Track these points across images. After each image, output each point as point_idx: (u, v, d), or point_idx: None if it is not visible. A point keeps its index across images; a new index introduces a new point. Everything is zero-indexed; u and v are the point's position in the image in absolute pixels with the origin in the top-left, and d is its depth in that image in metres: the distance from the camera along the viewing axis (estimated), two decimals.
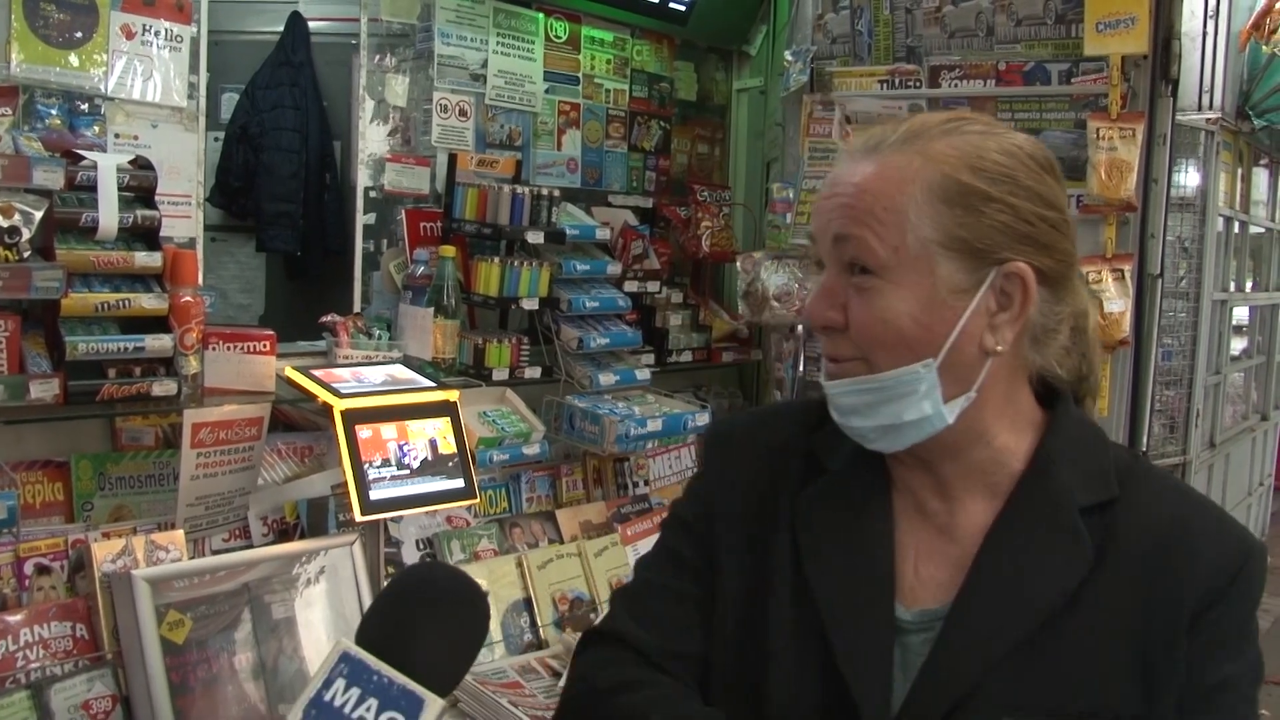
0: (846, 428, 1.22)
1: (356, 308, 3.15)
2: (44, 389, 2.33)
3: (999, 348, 1.17)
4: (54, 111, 2.57)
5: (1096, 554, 1.16)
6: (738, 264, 3.47)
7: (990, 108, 3.23)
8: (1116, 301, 3.02)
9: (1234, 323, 6.75)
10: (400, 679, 1.14)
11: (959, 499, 1.23)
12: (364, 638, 1.17)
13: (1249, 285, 6.97)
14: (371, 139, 3.20)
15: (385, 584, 1.20)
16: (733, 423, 1.51)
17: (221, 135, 4.77)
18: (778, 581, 1.26)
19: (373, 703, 1.14)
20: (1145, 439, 3.20)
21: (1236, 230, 6.44)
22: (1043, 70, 3.18)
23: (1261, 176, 6.96)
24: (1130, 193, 2.98)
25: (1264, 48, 4.96)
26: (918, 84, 3.34)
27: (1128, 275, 3.03)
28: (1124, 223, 3.07)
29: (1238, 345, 6.98)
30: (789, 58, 3.64)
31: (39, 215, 2.28)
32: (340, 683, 1.15)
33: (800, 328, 3.49)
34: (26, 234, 2.26)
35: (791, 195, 3.55)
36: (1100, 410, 3.06)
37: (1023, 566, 1.17)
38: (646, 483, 3.47)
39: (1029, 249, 1.16)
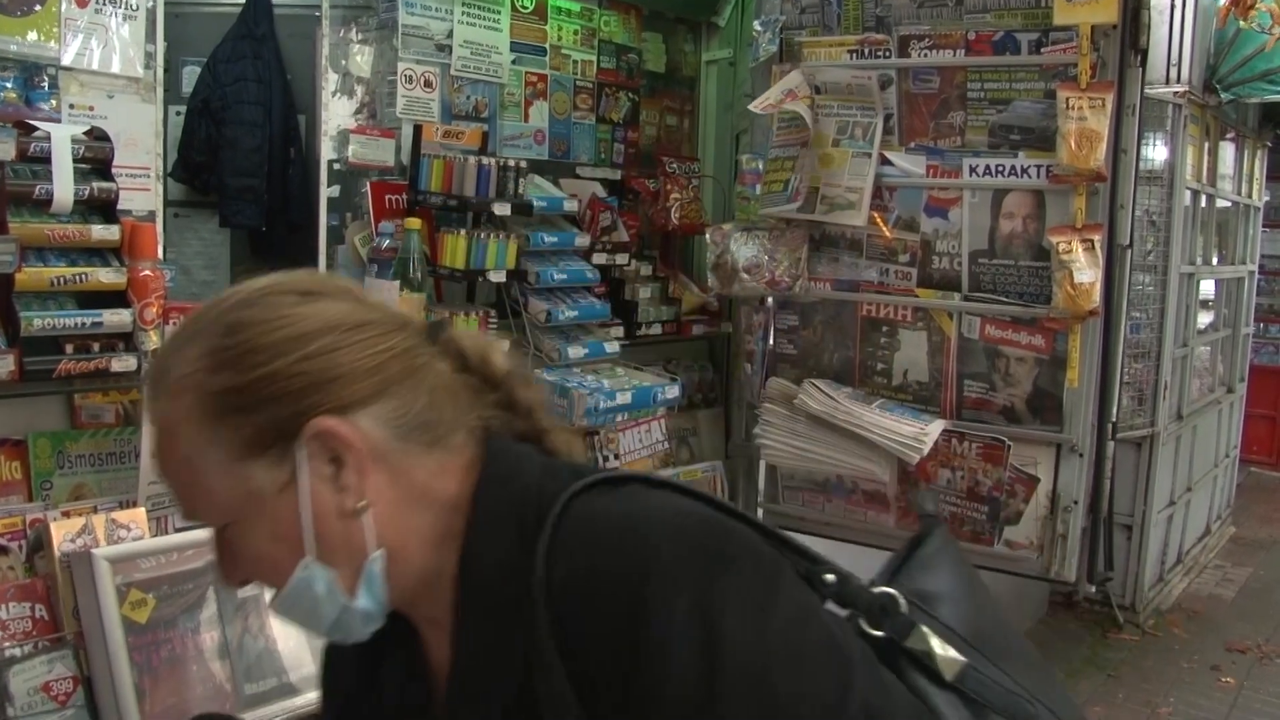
0: (317, 636, 1.13)
1: None
2: None
3: (361, 504, 1.04)
4: (8, 84, 2.51)
5: (526, 638, 1.02)
6: (707, 236, 3.44)
7: (960, 77, 3.21)
8: (1086, 272, 3.01)
9: (1200, 296, 6.79)
10: None
11: (450, 633, 1.12)
12: None
13: (1215, 259, 7.01)
14: (336, 111, 3.15)
15: None
16: None
17: (183, 109, 4.69)
18: None
19: None
20: (1115, 410, 3.20)
21: (1204, 204, 6.47)
22: (1012, 40, 3.17)
23: (1228, 150, 6.98)
24: (1100, 163, 2.97)
25: (1240, 24, 4.96)
26: (887, 53, 3.32)
27: (1098, 245, 3.02)
28: (1094, 193, 3.06)
29: (1204, 319, 7.02)
30: (758, 28, 3.61)
31: None
32: None
33: (770, 300, 3.47)
34: None
35: (761, 166, 3.52)
36: (1071, 382, 3.06)
37: (473, 690, 1.07)
38: (616, 456, 3.45)
39: (319, 396, 1.03)
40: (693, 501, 1.06)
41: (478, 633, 1.07)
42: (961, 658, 1.06)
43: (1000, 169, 3.14)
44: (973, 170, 3.18)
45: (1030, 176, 3.11)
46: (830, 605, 1.07)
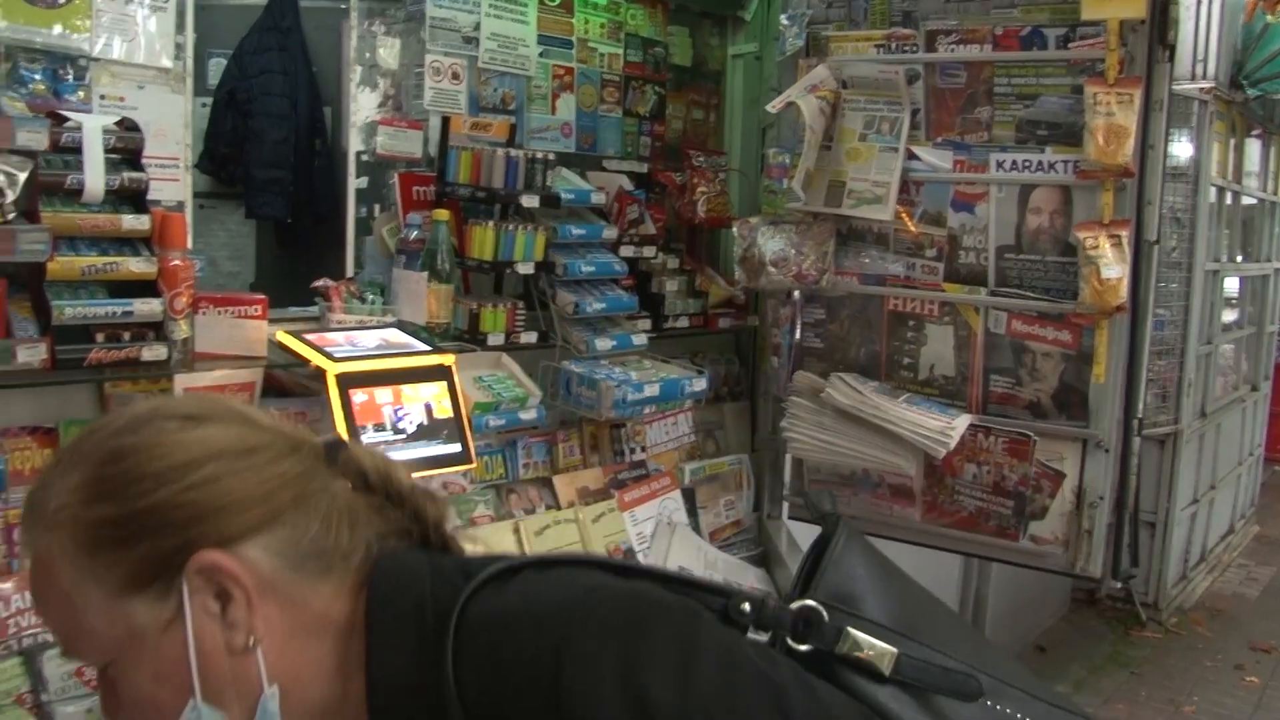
0: None
1: (349, 272, 3.12)
2: (31, 354, 2.29)
3: (252, 639, 1.00)
4: (38, 76, 2.53)
5: None
6: (734, 229, 3.44)
7: (987, 72, 3.20)
8: (1114, 267, 3.00)
9: (1225, 294, 6.76)
10: None
11: None
12: None
13: (1240, 256, 6.98)
14: (363, 104, 3.16)
15: None
16: None
17: (209, 101, 4.72)
18: None
19: None
20: (1141, 406, 3.19)
21: (1229, 201, 6.44)
22: (1039, 35, 3.15)
23: (1254, 147, 6.95)
24: (1128, 158, 2.96)
25: (1269, 18, 4.93)
26: (914, 48, 3.31)
27: (1125, 241, 3.00)
28: (1121, 189, 3.04)
29: (1229, 316, 7.00)
30: (784, 22, 3.60)
31: (23, 177, 2.24)
32: None
33: (797, 294, 3.46)
34: (11, 195, 2.22)
35: (787, 160, 3.51)
36: (1097, 377, 3.05)
37: None
38: (643, 449, 3.45)
39: (203, 528, 0.99)
40: (589, 573, 1.04)
41: None
42: (892, 649, 1.05)
43: (1027, 164, 3.13)
44: (1000, 165, 3.17)
45: (1057, 172, 3.09)
46: (752, 634, 1.05)
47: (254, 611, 1.00)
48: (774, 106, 3.31)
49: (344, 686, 1.04)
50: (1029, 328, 3.16)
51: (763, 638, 1.05)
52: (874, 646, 1.04)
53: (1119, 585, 3.46)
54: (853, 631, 1.05)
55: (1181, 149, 5.66)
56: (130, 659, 1.00)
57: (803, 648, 1.04)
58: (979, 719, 1.05)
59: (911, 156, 3.27)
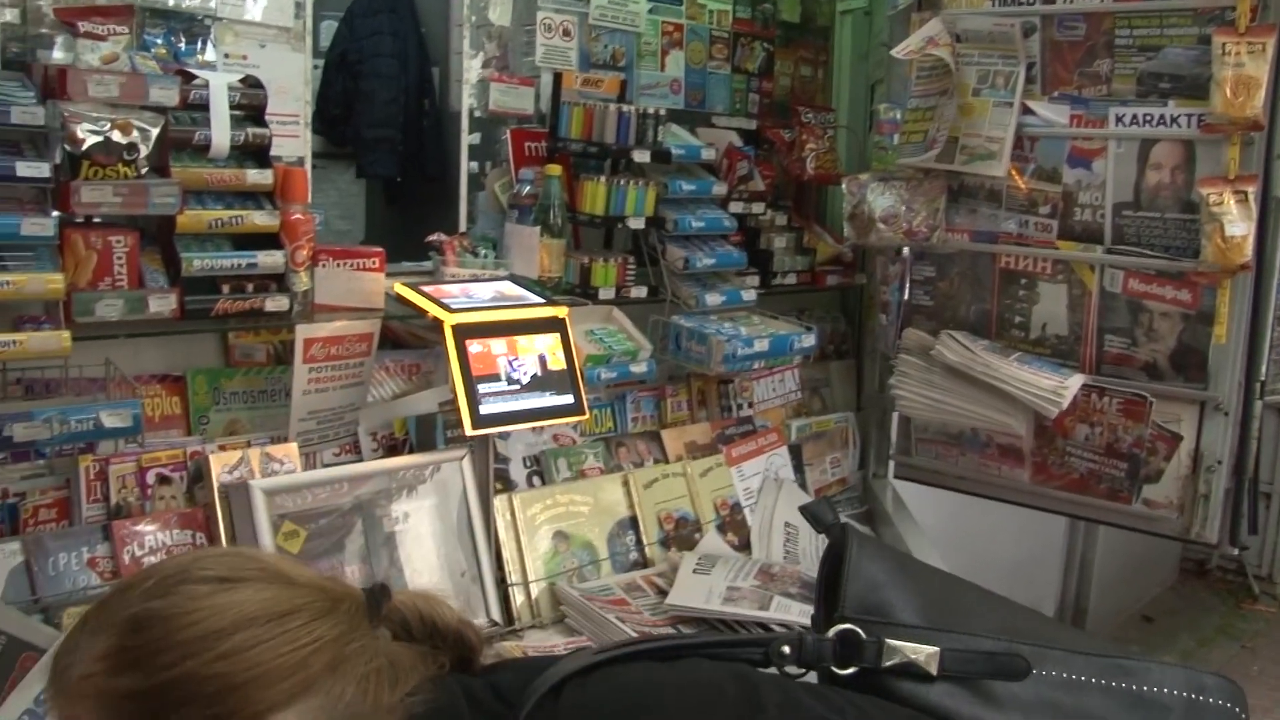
0: None
1: (462, 227, 3.16)
2: (162, 303, 2.37)
3: None
4: (159, 42, 2.59)
5: None
6: (843, 186, 3.40)
7: (1108, 24, 3.11)
8: (1239, 224, 2.90)
9: None
10: None
11: None
12: None
13: None
14: (473, 62, 3.19)
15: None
16: None
17: (320, 63, 4.81)
18: None
19: None
20: (1263, 370, 3.10)
21: None
22: None
23: None
24: (1257, 111, 2.85)
25: None
26: (1032, 0, 3.23)
27: (1251, 197, 2.91)
28: (1248, 143, 2.94)
29: None
30: None
31: (155, 132, 2.31)
32: None
33: (906, 251, 3.43)
34: (144, 151, 2.29)
35: (898, 116, 3.46)
36: (1218, 338, 2.97)
37: None
38: (750, 405, 3.46)
39: (234, 702, 0.96)
40: (634, 669, 1.03)
41: None
42: (934, 648, 1.05)
43: (1148, 118, 3.04)
44: (1119, 120, 3.08)
45: (1180, 126, 3.00)
46: (790, 669, 1.07)
47: None
48: (899, 52, 3.25)
49: None
50: (1146, 286, 3.08)
51: (806, 673, 1.06)
52: (916, 650, 1.05)
53: (1235, 552, 3.38)
54: (891, 643, 1.06)
55: None
56: None
57: (848, 671, 1.05)
58: (1031, 692, 1.05)
59: (1026, 111, 3.20)
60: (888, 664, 1.05)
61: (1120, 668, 1.08)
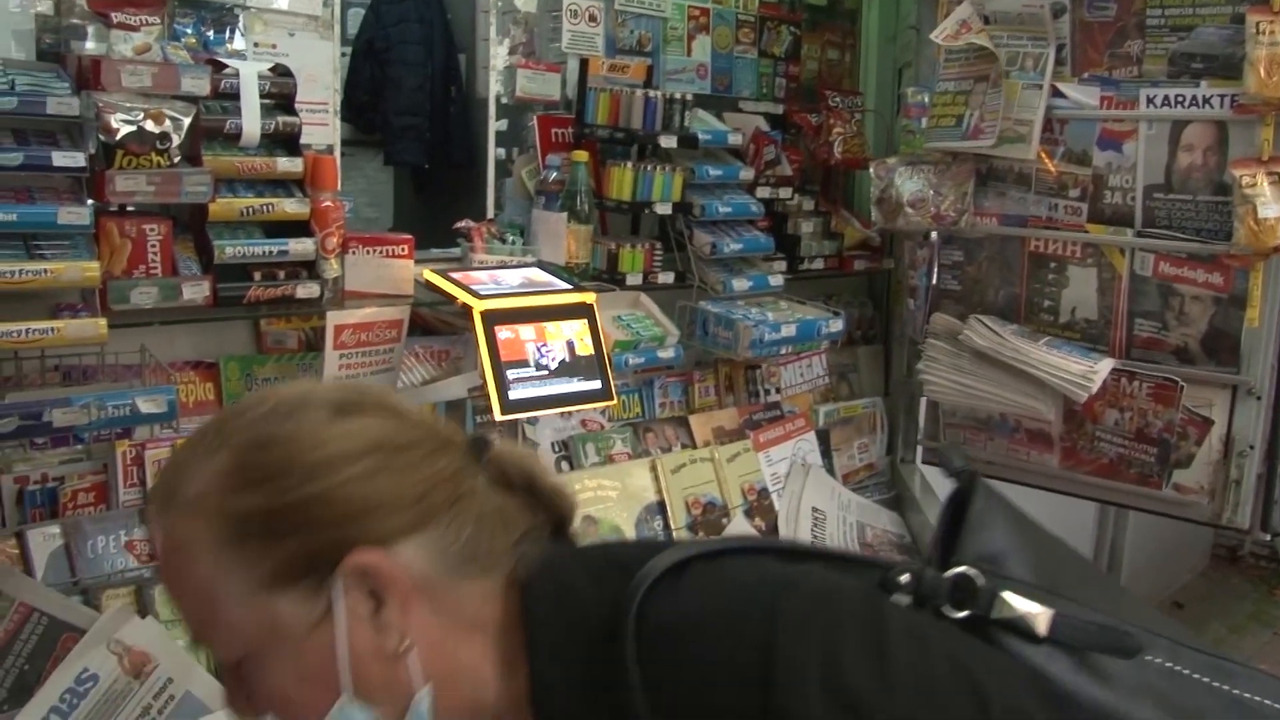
0: None
1: (490, 214, 3.18)
2: (195, 291, 2.40)
3: (405, 643, 0.96)
4: (189, 31, 2.61)
5: None
6: (871, 170, 3.39)
7: (1139, 4, 3.08)
8: (1272, 206, 2.88)
9: None
10: None
11: None
12: None
13: None
14: (499, 48, 3.20)
15: None
16: None
17: (348, 50, 4.83)
18: None
19: None
20: None
21: None
22: None
23: None
24: None
25: None
26: None
27: None
28: None
29: None
30: None
31: (187, 122, 2.33)
32: None
33: (934, 235, 3.42)
34: (176, 140, 2.31)
35: (926, 99, 3.45)
36: (1250, 321, 2.95)
37: None
38: (778, 390, 3.46)
39: (360, 525, 0.94)
40: (759, 562, 1.01)
41: None
42: (1048, 609, 1.02)
43: (1180, 99, 3.02)
44: (1150, 101, 3.06)
45: (1213, 107, 2.97)
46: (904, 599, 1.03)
47: (408, 615, 0.96)
48: (938, 36, 3.23)
49: (502, 685, 1.01)
50: (1178, 270, 3.06)
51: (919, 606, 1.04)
52: (1029, 607, 1.02)
53: (1267, 538, 3.36)
54: (1005, 595, 1.03)
55: None
56: (271, 656, 0.95)
57: (959, 615, 1.03)
58: (1136, 676, 1.02)
59: (1056, 94, 3.18)
60: (997, 615, 1.03)
61: (1223, 669, 1.05)
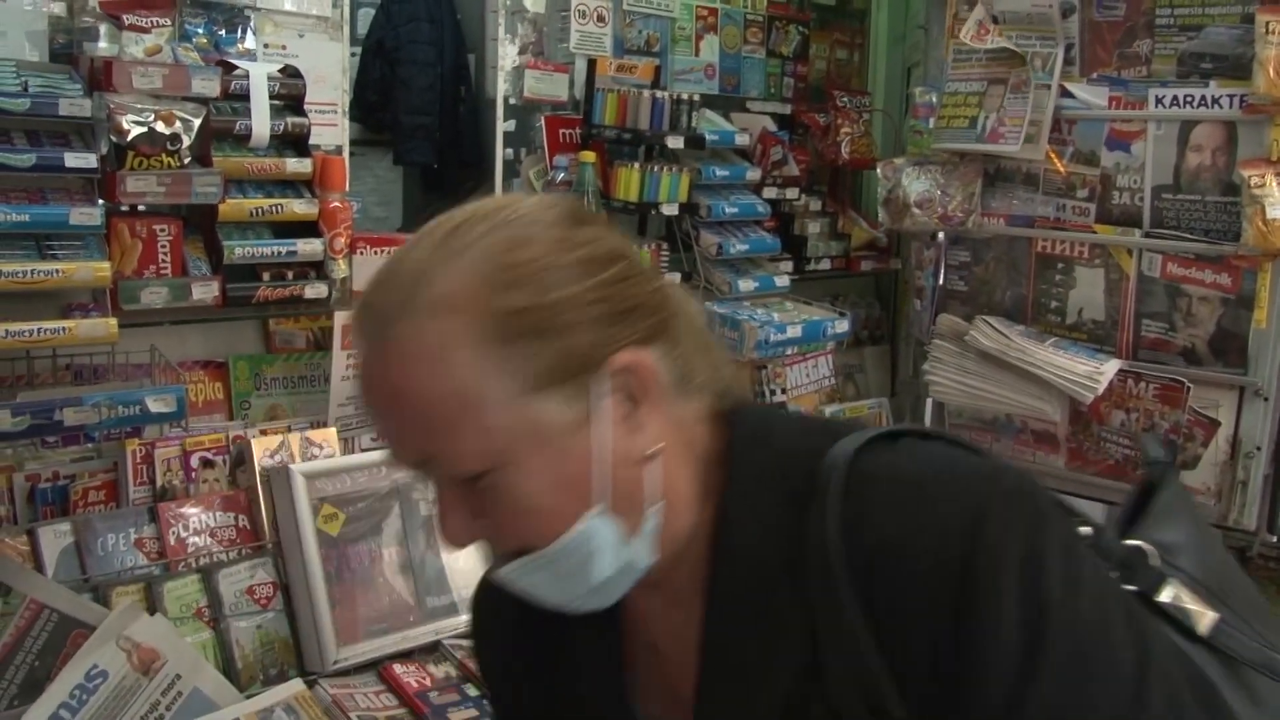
0: (546, 606, 1.00)
1: None
2: (205, 291, 2.42)
3: (653, 447, 0.95)
4: (200, 31, 2.63)
5: (807, 607, 0.94)
6: (878, 170, 3.40)
7: (1148, 3, 3.08)
8: None
9: None
10: None
11: (688, 598, 1.02)
12: None
13: None
14: (508, 49, 3.22)
15: None
16: (488, 578, 1.19)
17: (358, 50, 4.83)
18: None
19: None
20: None
21: None
22: None
23: None
24: None
25: None
26: None
27: None
28: None
29: None
30: None
31: (197, 123, 2.36)
32: None
33: (942, 236, 3.42)
34: (187, 141, 2.34)
35: (935, 100, 3.45)
36: (1258, 323, 2.94)
37: (743, 662, 0.98)
38: (784, 390, 3.47)
39: (617, 328, 0.93)
40: (975, 453, 0.99)
41: (745, 606, 0.98)
42: (1213, 612, 1.01)
43: (1189, 99, 3.01)
44: (1159, 101, 3.05)
45: (1222, 107, 2.97)
46: None
47: (654, 418, 0.95)
48: (967, 36, 3.22)
49: (698, 520, 1.00)
50: (1185, 270, 3.06)
51: None
52: (1195, 603, 1.01)
53: (1275, 540, 3.35)
54: (1174, 582, 1.03)
55: None
56: (527, 463, 0.91)
57: (1127, 588, 1.01)
58: None
59: (1064, 94, 3.18)
60: (1161, 600, 1.02)
61: None
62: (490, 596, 1.18)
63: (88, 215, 2.23)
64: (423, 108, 4.77)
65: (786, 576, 0.95)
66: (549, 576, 0.96)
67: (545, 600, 0.99)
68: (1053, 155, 3.20)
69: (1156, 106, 3.05)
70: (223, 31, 2.65)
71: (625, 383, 0.93)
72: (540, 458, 0.91)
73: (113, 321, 2.26)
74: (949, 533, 0.89)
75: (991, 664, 0.87)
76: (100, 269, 2.24)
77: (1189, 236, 3.03)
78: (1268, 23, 2.81)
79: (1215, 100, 2.97)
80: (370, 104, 4.88)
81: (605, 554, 0.94)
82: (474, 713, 2.15)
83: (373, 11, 4.95)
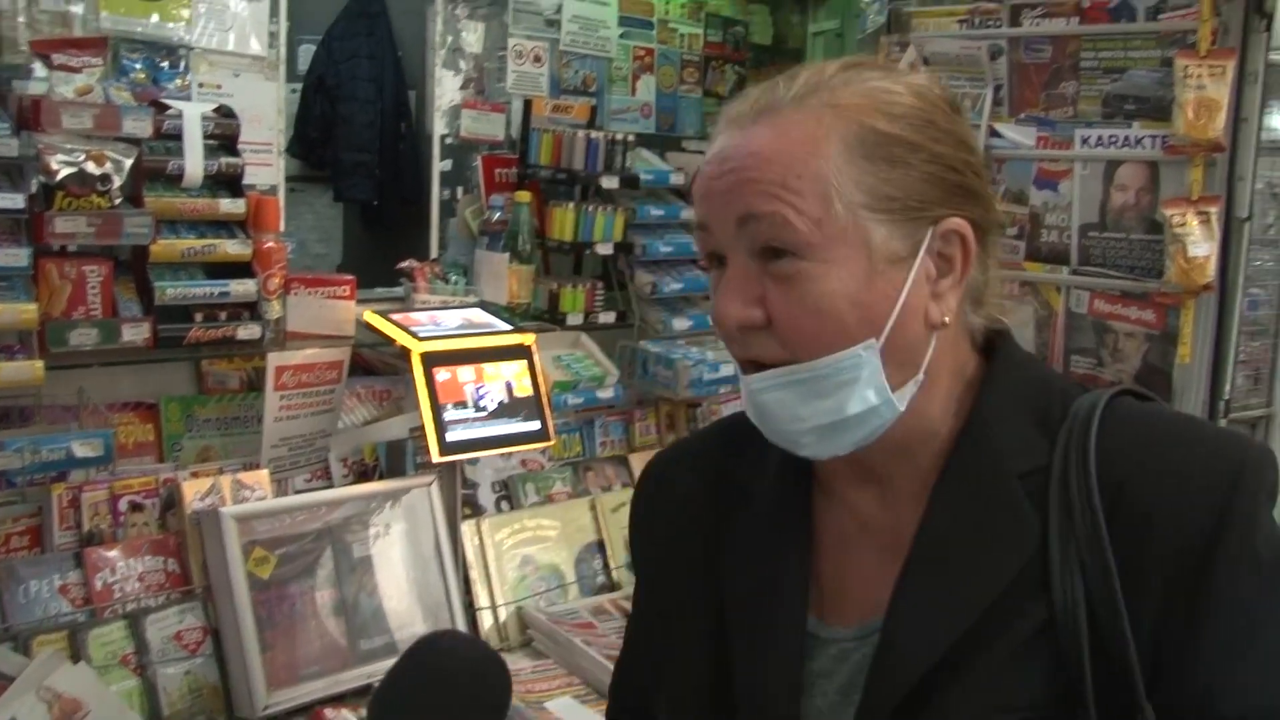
0: (775, 433, 1.01)
1: (433, 254, 3.19)
2: (135, 332, 2.40)
3: (945, 319, 0.99)
4: (138, 66, 2.63)
5: (1044, 524, 0.97)
6: None
7: (1073, 46, 3.15)
8: (1201, 245, 2.94)
9: None
10: None
11: (904, 501, 1.04)
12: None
13: None
14: (447, 87, 3.23)
15: (404, 652, 1.14)
16: (658, 461, 1.28)
17: (299, 87, 4.82)
18: (698, 631, 1.12)
19: None
20: (1228, 389, 3.13)
21: None
22: (1128, 7, 3.09)
23: None
24: (1219, 132, 2.89)
25: None
26: (998, 23, 3.27)
27: (1213, 218, 2.94)
28: (1211, 164, 2.98)
29: None
30: None
31: (129, 163, 2.34)
32: None
33: None
34: (117, 181, 2.32)
35: None
36: (1182, 358, 3.00)
37: (957, 557, 1.00)
38: None
39: (960, 200, 0.99)
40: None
41: (971, 506, 1.00)
42: None
43: (1113, 140, 3.08)
44: (1085, 141, 3.12)
45: (1145, 147, 3.04)
46: None
47: (956, 295, 1.00)
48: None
49: (942, 422, 1.03)
50: (1112, 307, 3.12)
51: None
52: None
53: None
54: None
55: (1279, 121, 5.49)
56: (841, 265, 0.95)
57: None
58: None
59: (994, 134, 3.24)
60: None
61: None
62: (663, 486, 1.23)
63: (14, 256, 2.21)
64: (363, 144, 4.75)
65: (1023, 490, 0.99)
66: (800, 394, 0.98)
67: (779, 425, 1.00)
68: None
69: (1082, 146, 3.12)
70: (165, 64, 2.65)
71: (948, 248, 0.99)
72: (852, 267, 0.95)
73: (39, 364, 2.23)
74: (1207, 486, 0.95)
75: (1225, 607, 0.92)
76: (27, 311, 2.21)
77: (1115, 274, 3.09)
78: (1186, 66, 2.88)
79: (1138, 141, 3.04)
80: (311, 140, 4.86)
81: (865, 388, 0.97)
82: None
83: (314, 48, 4.94)
